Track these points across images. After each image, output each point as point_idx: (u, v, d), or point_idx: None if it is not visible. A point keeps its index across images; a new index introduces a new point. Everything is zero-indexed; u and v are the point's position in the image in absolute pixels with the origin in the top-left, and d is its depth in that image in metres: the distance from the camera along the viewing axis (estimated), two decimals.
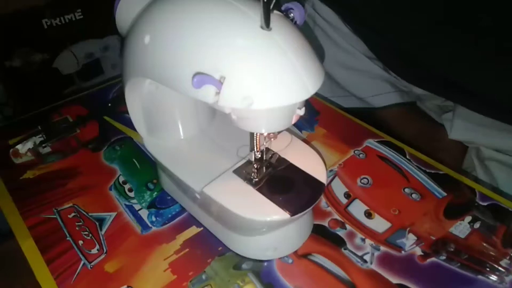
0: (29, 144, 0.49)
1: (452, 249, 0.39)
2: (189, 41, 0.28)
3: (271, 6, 0.26)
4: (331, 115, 0.57)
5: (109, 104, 0.55)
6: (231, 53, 0.27)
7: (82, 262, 0.38)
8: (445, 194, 0.44)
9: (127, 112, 0.39)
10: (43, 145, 0.50)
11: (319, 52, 0.76)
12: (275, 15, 0.28)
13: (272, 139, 0.35)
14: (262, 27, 0.27)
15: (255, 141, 0.34)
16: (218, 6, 0.28)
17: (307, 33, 0.76)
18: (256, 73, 0.26)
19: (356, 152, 0.50)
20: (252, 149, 0.35)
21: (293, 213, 0.33)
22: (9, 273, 0.41)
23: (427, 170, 0.47)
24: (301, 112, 0.30)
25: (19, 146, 0.48)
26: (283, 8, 0.31)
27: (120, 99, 0.57)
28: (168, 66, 0.29)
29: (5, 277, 0.40)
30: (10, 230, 0.45)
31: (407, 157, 0.49)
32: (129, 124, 0.53)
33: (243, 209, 0.34)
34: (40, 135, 0.51)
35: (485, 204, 0.43)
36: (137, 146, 0.51)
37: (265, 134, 0.33)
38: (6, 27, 0.70)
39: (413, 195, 0.44)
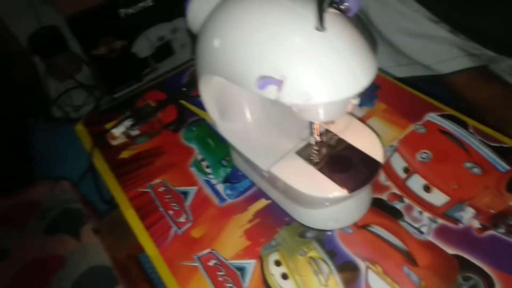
0: (122, 128, 0.57)
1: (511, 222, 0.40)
2: (252, 45, 0.31)
3: (325, 7, 0.29)
4: (391, 89, 0.57)
5: (184, 89, 0.61)
6: (290, 55, 0.30)
7: (173, 229, 0.46)
8: (508, 167, 0.45)
9: (200, 96, 0.44)
10: (132, 128, 0.58)
11: (372, 41, 0.76)
12: (329, 14, 0.31)
13: (331, 124, 0.38)
14: (317, 29, 0.30)
15: (314, 128, 0.38)
16: (277, 10, 0.31)
17: (365, 2, 0.75)
18: (312, 72, 0.30)
19: (416, 126, 0.51)
20: (312, 134, 0.39)
21: (351, 190, 0.37)
22: (118, 236, 0.51)
23: (491, 144, 0.47)
24: (356, 101, 0.33)
25: (114, 130, 0.57)
26: None
27: (192, 83, 0.63)
28: (236, 68, 0.33)
29: (115, 239, 0.50)
30: (111, 198, 0.54)
31: (470, 130, 0.49)
32: (202, 107, 0.60)
33: (306, 187, 0.38)
34: (130, 119, 0.59)
35: None
36: (210, 126, 0.57)
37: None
38: (91, 20, 0.79)
39: (474, 170, 0.45)
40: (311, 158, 0.40)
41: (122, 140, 0.57)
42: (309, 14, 0.30)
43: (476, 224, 0.41)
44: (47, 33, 0.96)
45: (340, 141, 0.41)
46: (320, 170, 0.39)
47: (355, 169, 0.39)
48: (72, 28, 0.78)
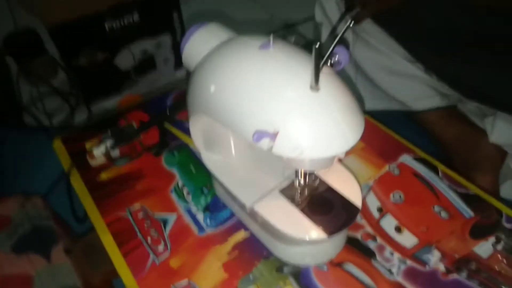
0: (102, 148, 0.57)
1: (473, 268, 0.44)
2: (249, 97, 0.33)
3: (321, 68, 0.31)
4: (369, 128, 0.60)
5: (167, 112, 0.61)
6: (285, 111, 0.32)
7: (151, 258, 0.46)
8: (472, 214, 0.48)
9: (184, 120, 0.44)
10: (113, 148, 0.57)
11: (359, 98, 0.80)
12: (323, 75, 0.32)
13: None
14: (311, 88, 0.32)
15: (299, 173, 0.39)
16: (275, 65, 0.33)
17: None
18: (305, 129, 0.31)
19: (391, 167, 0.54)
20: (296, 177, 0.41)
21: (329, 233, 0.39)
22: (92, 260, 0.50)
23: (458, 190, 0.51)
24: (342, 155, 0.35)
25: (94, 150, 0.56)
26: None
27: (176, 107, 0.63)
28: (231, 115, 0.34)
29: (90, 263, 0.49)
30: (85, 216, 0.54)
31: (440, 175, 0.53)
32: (186, 131, 0.60)
33: (288, 227, 0.40)
34: (110, 139, 0.58)
35: (510, 226, 0.47)
36: (193, 152, 0.58)
37: None
38: (74, 30, 0.78)
39: (442, 213, 0.48)
40: (294, 198, 0.42)
41: (101, 161, 0.56)
42: (304, 72, 0.32)
43: (442, 267, 0.44)
44: (23, 34, 0.93)
45: (322, 183, 0.43)
46: (302, 210, 0.41)
47: (335, 212, 0.41)
48: (54, 36, 0.76)
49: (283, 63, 0.33)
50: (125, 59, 0.87)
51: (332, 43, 0.33)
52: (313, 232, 0.39)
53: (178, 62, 0.95)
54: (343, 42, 0.35)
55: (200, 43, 0.39)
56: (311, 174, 0.43)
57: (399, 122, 0.68)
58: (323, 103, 0.31)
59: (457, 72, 0.69)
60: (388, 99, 0.82)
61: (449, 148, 0.77)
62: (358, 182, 0.43)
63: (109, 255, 0.47)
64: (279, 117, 0.32)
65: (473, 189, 0.51)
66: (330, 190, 0.43)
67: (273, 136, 0.32)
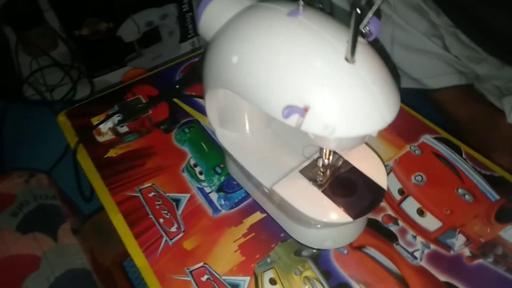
0: (109, 124, 0.54)
1: (499, 253, 0.42)
2: (279, 69, 0.30)
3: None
4: None
5: (177, 86, 0.58)
6: (317, 85, 0.29)
7: (164, 239, 0.44)
8: (498, 197, 0.46)
9: (195, 95, 0.41)
10: (121, 124, 0.55)
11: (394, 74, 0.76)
12: (359, 44, 0.30)
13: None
14: (346, 59, 0.29)
15: (324, 152, 0.37)
16: (304, 34, 0.30)
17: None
18: (338, 105, 0.29)
19: (412, 148, 0.52)
20: (320, 156, 0.38)
21: (355, 216, 0.37)
22: (102, 240, 0.48)
23: (482, 172, 0.48)
24: (374, 133, 0.32)
25: (101, 126, 0.54)
26: None
27: (186, 81, 0.60)
28: (256, 89, 0.32)
29: (100, 243, 0.48)
30: (91, 194, 0.51)
31: (463, 156, 0.50)
32: (197, 107, 0.58)
33: (310, 209, 0.38)
34: (118, 114, 0.55)
35: None
36: (205, 129, 0.55)
37: None
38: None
39: (466, 196, 0.47)
40: (316, 179, 0.40)
41: (109, 137, 0.54)
42: (338, 42, 0.29)
43: (467, 252, 0.42)
44: (22, 2, 0.88)
45: (346, 163, 0.41)
46: (324, 192, 0.39)
47: (360, 194, 0.39)
48: (55, 6, 0.72)
49: (314, 32, 0.30)
50: (129, 30, 0.83)
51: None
52: (337, 214, 0.37)
53: (184, 34, 0.92)
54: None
55: (220, 8, 0.36)
56: (335, 153, 0.40)
57: (413, 101, 0.65)
58: (359, 77, 0.29)
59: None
60: (403, 76, 0.79)
61: (465, 128, 0.75)
62: (383, 162, 0.41)
63: (120, 236, 0.45)
64: (310, 91, 0.29)
65: (499, 171, 0.49)
66: (354, 170, 0.40)
67: (303, 112, 0.29)
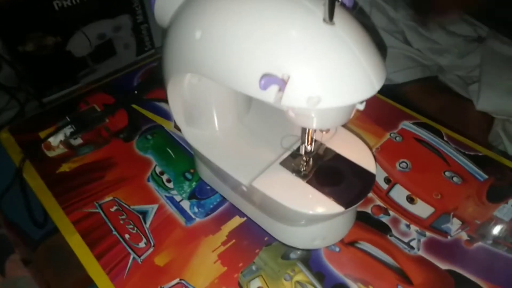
0: (61, 136, 0.48)
1: (498, 234, 0.39)
2: (250, 38, 0.26)
3: None
4: None
5: (135, 92, 0.53)
6: (296, 51, 0.25)
7: (131, 257, 0.38)
8: (486, 176, 0.44)
9: (156, 99, 0.37)
10: (74, 136, 0.49)
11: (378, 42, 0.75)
12: (337, 7, 0.26)
13: (324, 132, 0.34)
14: (325, 20, 0.26)
15: (307, 135, 0.33)
16: None
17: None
18: (322, 72, 0.25)
19: (392, 135, 0.49)
20: (302, 142, 0.35)
21: (346, 205, 0.33)
22: (58, 267, 0.41)
23: (466, 152, 0.47)
24: (362, 106, 0.29)
25: (51, 139, 0.47)
26: None
27: (145, 86, 0.56)
28: (225, 65, 0.28)
29: (56, 271, 0.41)
30: (45, 219, 0.45)
31: (445, 138, 0.48)
32: (159, 111, 0.53)
33: (296, 203, 0.33)
34: (70, 126, 0.50)
35: None
36: (169, 134, 0.50)
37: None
38: (18, 12, 0.67)
39: (454, 179, 0.44)
40: (299, 169, 0.36)
41: (61, 150, 0.48)
42: (313, 5, 0.26)
43: (465, 236, 0.39)
44: None
45: (329, 150, 0.37)
46: (309, 182, 0.35)
47: (348, 182, 0.35)
48: None
49: None
50: (80, 44, 0.76)
51: None
52: (327, 205, 0.33)
53: (141, 47, 0.87)
54: None
55: None
56: (317, 141, 0.37)
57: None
58: (341, 39, 0.25)
59: None
60: None
61: (436, 120, 0.74)
62: (368, 146, 0.38)
63: (79, 259, 0.38)
64: (288, 59, 0.25)
65: (482, 150, 0.47)
66: (339, 157, 0.37)
67: (283, 83, 0.25)
